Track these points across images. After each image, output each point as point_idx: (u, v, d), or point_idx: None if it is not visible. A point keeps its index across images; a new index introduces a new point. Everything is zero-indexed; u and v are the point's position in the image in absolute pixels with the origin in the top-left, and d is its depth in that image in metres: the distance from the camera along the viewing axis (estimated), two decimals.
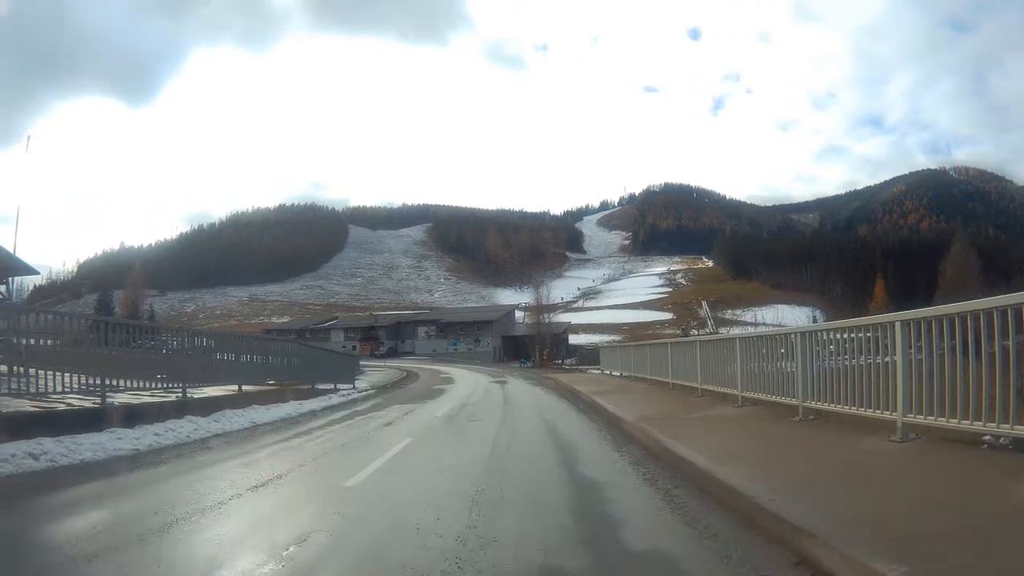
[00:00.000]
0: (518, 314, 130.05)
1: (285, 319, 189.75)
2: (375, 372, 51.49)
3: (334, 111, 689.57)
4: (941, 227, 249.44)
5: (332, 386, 27.22)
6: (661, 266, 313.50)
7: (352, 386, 30.05)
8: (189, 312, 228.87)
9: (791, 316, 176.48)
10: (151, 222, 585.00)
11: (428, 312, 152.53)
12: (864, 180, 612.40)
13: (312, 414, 18.86)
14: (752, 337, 14.38)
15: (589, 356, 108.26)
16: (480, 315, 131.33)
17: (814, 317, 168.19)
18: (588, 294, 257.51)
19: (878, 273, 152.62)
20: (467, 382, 37.89)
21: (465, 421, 16.33)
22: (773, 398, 12.25)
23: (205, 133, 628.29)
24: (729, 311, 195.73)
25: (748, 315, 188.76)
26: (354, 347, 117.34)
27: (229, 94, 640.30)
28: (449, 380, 40.73)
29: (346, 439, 13.27)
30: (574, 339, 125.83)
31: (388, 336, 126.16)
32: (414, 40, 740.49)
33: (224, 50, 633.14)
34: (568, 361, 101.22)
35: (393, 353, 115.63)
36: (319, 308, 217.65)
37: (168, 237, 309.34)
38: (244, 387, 19.47)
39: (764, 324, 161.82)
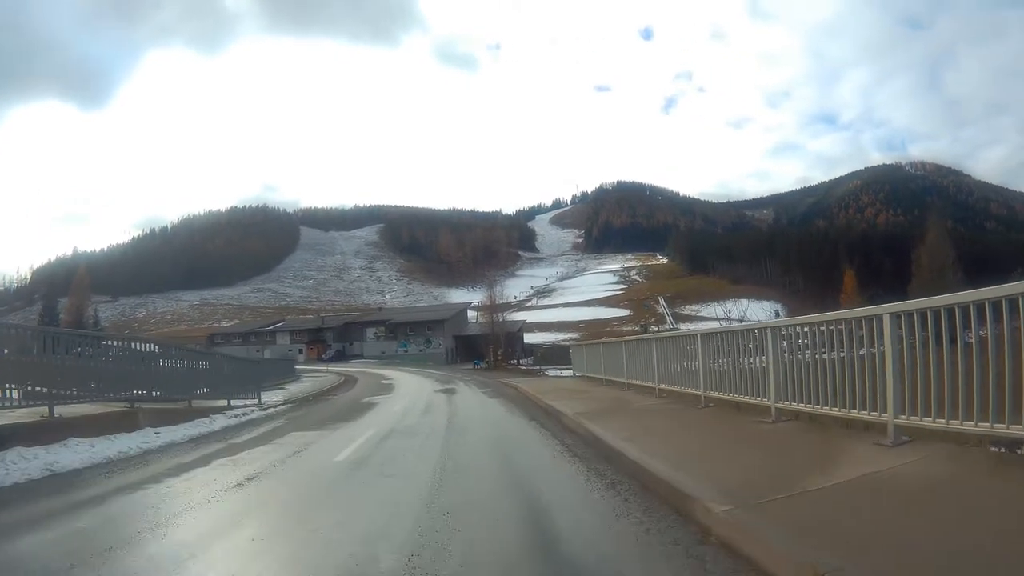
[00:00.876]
0: (471, 314, 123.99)
1: (235, 323, 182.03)
2: (312, 379, 44.96)
3: (286, 113, 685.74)
4: (899, 220, 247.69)
5: (226, 402, 20.16)
6: (615, 263, 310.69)
7: (256, 401, 22.62)
8: (140, 317, 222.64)
9: (754, 311, 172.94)
10: (106, 227, 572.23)
11: (377, 312, 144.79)
12: (819, 176, 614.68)
13: (162, 451, 12.17)
14: (927, 307, 7.22)
15: (548, 355, 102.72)
16: (431, 314, 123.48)
17: (776, 312, 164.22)
18: (542, 292, 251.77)
19: (846, 265, 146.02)
20: (408, 391, 30.82)
21: (376, 477, 9.20)
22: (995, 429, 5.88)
23: (158, 136, 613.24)
24: (688, 307, 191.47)
25: (707, 310, 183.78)
26: (300, 351, 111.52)
27: (182, 97, 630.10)
28: (388, 388, 33.71)
29: (131, 530, 6.45)
30: (529, 338, 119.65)
31: (336, 338, 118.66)
32: (366, 41, 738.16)
33: (176, 53, 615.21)
34: (525, 361, 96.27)
35: (341, 356, 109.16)
36: (270, 311, 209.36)
37: (121, 241, 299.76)
38: (70, 408, 12.90)
39: (727, 319, 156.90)
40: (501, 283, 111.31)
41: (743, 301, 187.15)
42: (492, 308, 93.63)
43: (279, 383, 34.81)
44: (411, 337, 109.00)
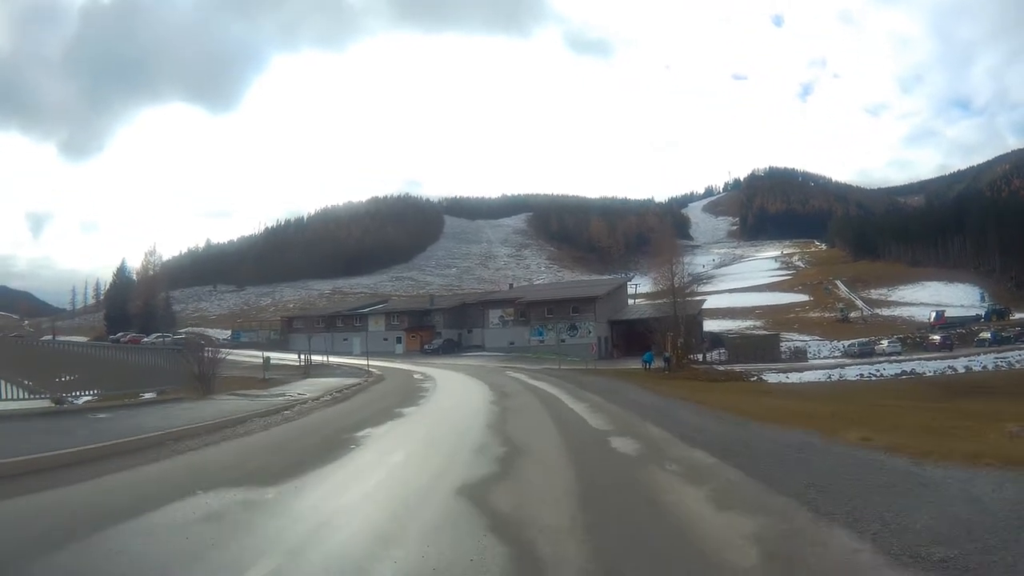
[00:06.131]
0: (630, 302, 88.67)
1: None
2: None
3: (425, 107, 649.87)
4: None
5: None
6: (773, 250, 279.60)
7: None
8: (262, 306, 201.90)
9: (953, 295, 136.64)
10: (246, 223, 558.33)
11: (506, 291, 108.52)
12: (956, 164, 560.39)
13: None
14: None
15: (742, 348, 67.47)
16: (576, 291, 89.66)
17: (982, 295, 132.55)
18: (700, 279, 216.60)
19: None
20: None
21: None
22: None
23: (293, 136, 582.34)
24: (873, 291, 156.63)
25: (896, 294, 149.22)
26: (399, 339, 78.88)
27: (314, 96, 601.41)
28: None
29: None
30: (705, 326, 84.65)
31: (449, 324, 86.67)
32: (500, 32, 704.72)
33: (306, 53, 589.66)
34: (714, 355, 61.08)
35: (453, 347, 78.00)
36: (405, 299, 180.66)
37: (254, 232, 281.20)
38: None
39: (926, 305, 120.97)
40: (682, 262, 73.85)
41: (932, 284, 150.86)
42: (671, 289, 57.62)
43: None
44: (549, 322, 73.80)
